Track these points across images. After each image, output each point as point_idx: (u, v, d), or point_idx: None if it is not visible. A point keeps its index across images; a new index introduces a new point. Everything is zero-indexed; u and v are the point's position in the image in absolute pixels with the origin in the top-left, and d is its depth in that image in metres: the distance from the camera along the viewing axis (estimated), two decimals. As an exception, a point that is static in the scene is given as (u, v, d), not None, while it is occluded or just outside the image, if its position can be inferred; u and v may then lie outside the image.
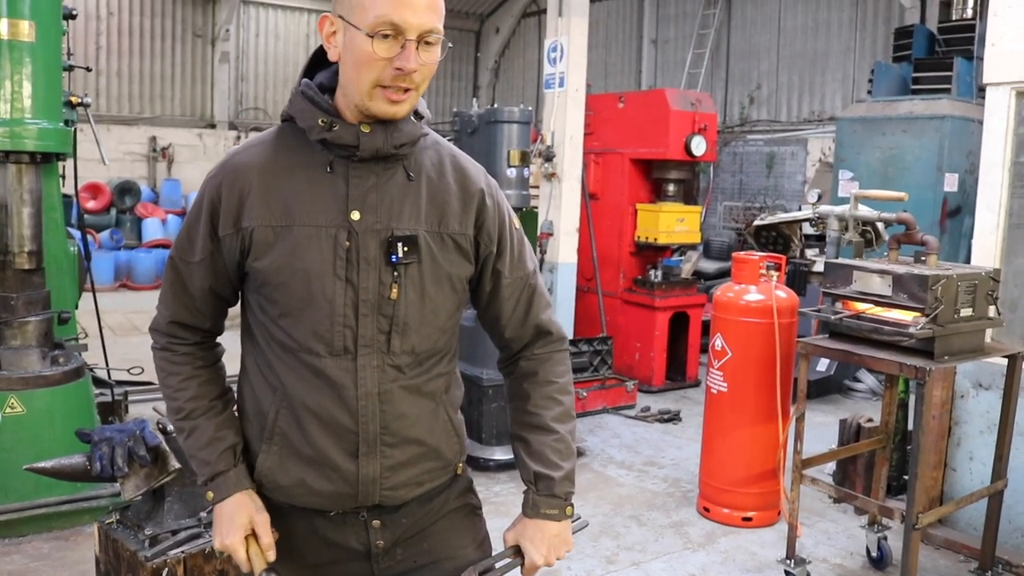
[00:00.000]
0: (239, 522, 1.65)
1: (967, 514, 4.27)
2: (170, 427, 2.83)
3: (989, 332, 3.54)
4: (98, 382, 5.26)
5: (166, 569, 2.74)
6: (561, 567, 3.89)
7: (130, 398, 5.50)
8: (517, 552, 1.77)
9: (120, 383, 5.49)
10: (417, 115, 1.66)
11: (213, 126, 14.49)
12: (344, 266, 1.60)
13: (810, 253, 7.89)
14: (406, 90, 1.56)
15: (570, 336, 6.52)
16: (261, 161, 1.64)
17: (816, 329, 3.87)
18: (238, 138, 14.16)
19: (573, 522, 1.80)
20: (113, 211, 12.94)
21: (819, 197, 4.88)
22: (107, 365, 5.56)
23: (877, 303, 3.40)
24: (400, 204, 1.64)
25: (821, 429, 5.72)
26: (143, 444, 2.72)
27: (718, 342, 4.47)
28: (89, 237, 6.40)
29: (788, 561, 3.67)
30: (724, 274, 9.18)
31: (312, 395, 1.62)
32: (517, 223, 1.81)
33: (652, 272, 7.13)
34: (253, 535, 1.67)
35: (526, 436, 1.79)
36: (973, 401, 4.34)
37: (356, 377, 1.61)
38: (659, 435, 5.94)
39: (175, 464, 2.76)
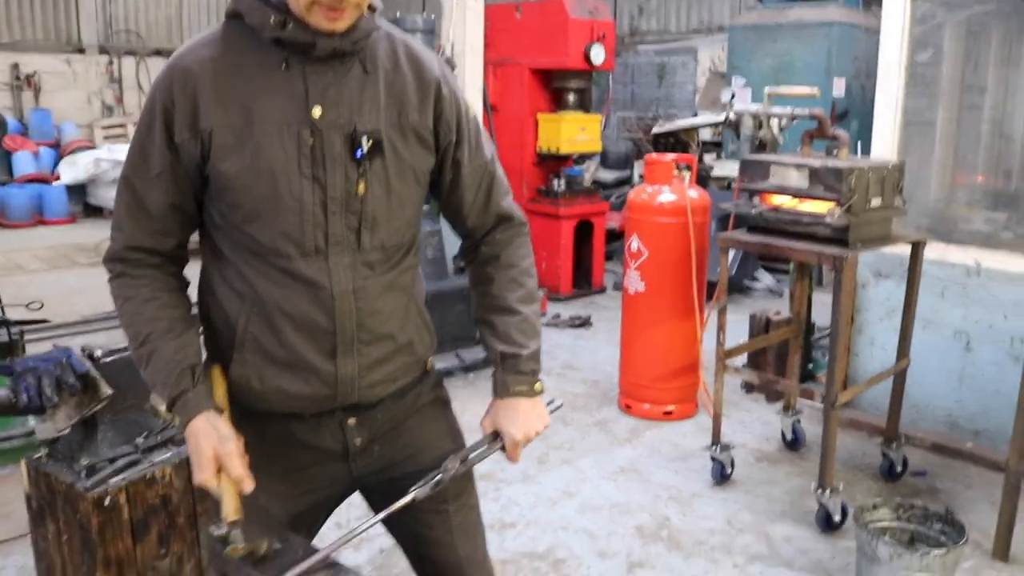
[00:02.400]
0: (206, 455, 1.56)
1: (868, 396, 4.54)
2: (97, 352, 2.73)
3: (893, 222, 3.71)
4: (-12, 322, 4.98)
5: (108, 498, 2.66)
6: (495, 469, 3.96)
7: (27, 337, 5.23)
8: (496, 436, 1.80)
9: (16, 322, 5.21)
10: (370, 7, 1.60)
11: (82, 51, 13.57)
12: (310, 164, 1.55)
13: (708, 158, 8.06)
14: (342, 9, 1.50)
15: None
16: (211, 60, 1.55)
17: (732, 226, 3.98)
18: (110, 63, 13.36)
19: (548, 405, 1.83)
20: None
21: (732, 96, 4.96)
22: (-1, 302, 5.26)
23: (794, 196, 3.51)
24: (359, 99, 1.59)
25: (729, 326, 5.93)
26: (71, 371, 2.61)
27: (634, 243, 4.55)
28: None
29: (714, 447, 3.83)
30: (623, 183, 9.31)
31: (287, 298, 1.58)
32: (472, 111, 1.78)
33: (555, 182, 7.16)
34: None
35: (491, 319, 1.80)
36: (874, 290, 4.57)
37: (330, 276, 1.58)
38: (572, 340, 6.06)
39: (107, 390, 2.66)
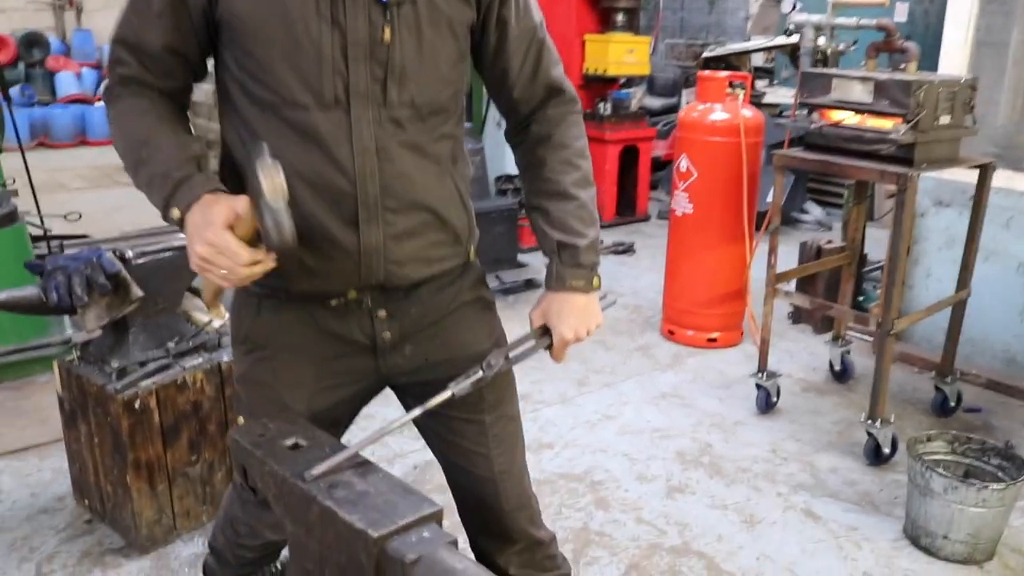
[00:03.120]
0: (217, 212, 1.36)
1: (920, 330, 4.37)
2: (128, 253, 2.65)
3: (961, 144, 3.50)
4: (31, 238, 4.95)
5: (138, 401, 2.61)
6: (532, 390, 3.88)
7: (67, 251, 5.20)
8: (544, 332, 1.68)
9: (56, 237, 5.18)
10: None
11: (122, -32, 13.40)
12: (328, 5, 1.41)
13: (760, 85, 7.77)
14: None
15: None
16: None
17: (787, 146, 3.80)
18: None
19: (601, 299, 1.72)
20: (21, 65, 12.03)
21: (794, 6, 4.70)
22: (39, 214, 5.23)
23: (857, 111, 3.31)
24: None
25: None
26: (101, 271, 2.54)
27: (683, 163, 4.37)
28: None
29: (759, 374, 3.70)
30: (670, 110, 9.03)
31: (301, 157, 1.46)
32: None
33: (601, 105, 6.94)
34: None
35: (544, 205, 1.67)
36: (933, 219, 4.36)
37: (350, 132, 1.45)
38: (615, 266, 5.92)
39: (138, 292, 2.59)
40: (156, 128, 1.50)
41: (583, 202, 1.67)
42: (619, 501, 3.06)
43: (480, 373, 1.58)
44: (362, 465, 1.40)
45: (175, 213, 1.44)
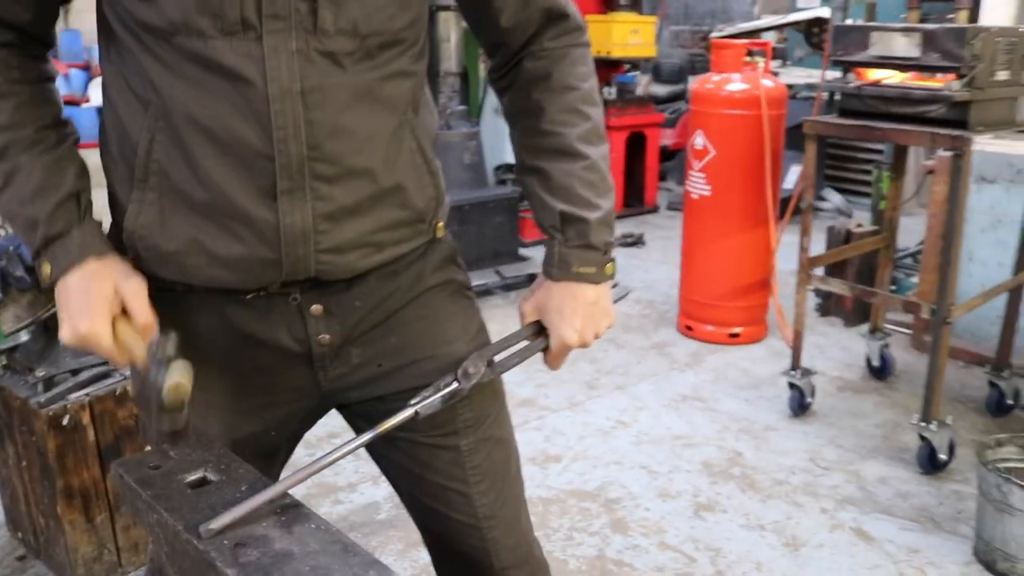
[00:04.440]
0: (100, 294, 1.08)
1: (963, 322, 3.93)
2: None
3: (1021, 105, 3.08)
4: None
5: (67, 416, 2.20)
6: (537, 394, 3.46)
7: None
8: (538, 331, 1.27)
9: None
10: None
11: (109, -33, 13.05)
12: None
13: (773, 65, 7.35)
14: None
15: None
16: None
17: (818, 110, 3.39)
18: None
19: (612, 287, 1.30)
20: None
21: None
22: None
23: (901, 68, 2.89)
24: None
25: (792, 249, 5.34)
26: (19, 263, 2.13)
27: (698, 140, 3.95)
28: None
29: (793, 372, 3.28)
30: (677, 97, 8.61)
31: (201, 102, 1.03)
32: None
33: (606, 90, 6.52)
34: (123, 314, 1.10)
35: (542, 165, 1.24)
36: (975, 197, 3.92)
37: (264, 66, 1.02)
38: (624, 259, 5.49)
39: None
40: (16, 133, 1.10)
41: (593, 162, 1.24)
42: (639, 522, 2.64)
43: (454, 384, 1.17)
44: (288, 511, 0.99)
45: (46, 271, 1.11)
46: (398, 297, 1.24)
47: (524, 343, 1.26)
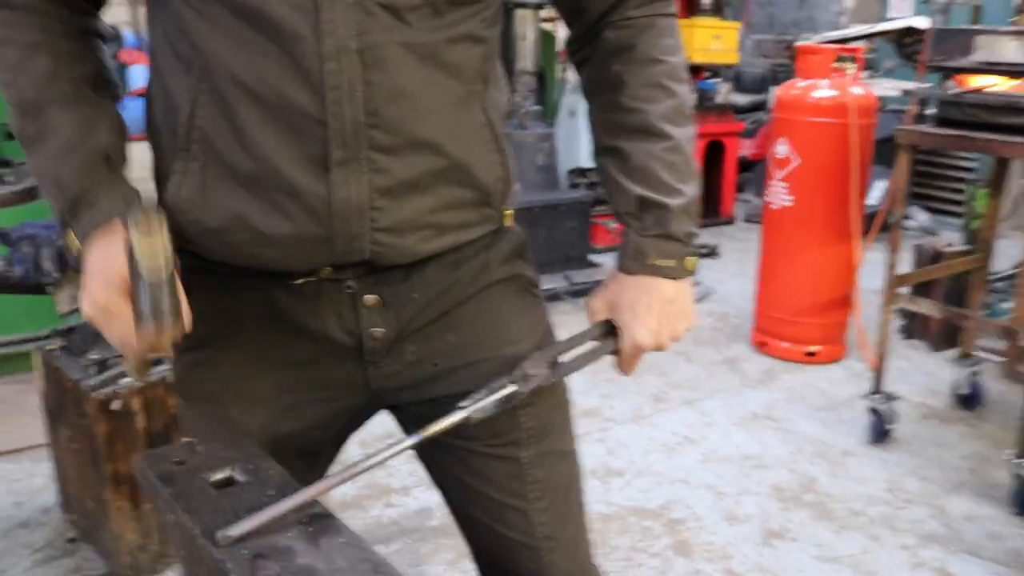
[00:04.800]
0: (118, 269, 0.95)
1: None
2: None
3: None
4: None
5: (117, 401, 2.15)
6: (602, 405, 3.33)
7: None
8: (608, 331, 1.15)
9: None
10: None
11: (198, -37, 13.31)
12: None
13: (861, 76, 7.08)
14: None
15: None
16: None
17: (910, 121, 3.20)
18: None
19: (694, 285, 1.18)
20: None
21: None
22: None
23: (1009, 74, 2.69)
24: None
25: (875, 267, 5.11)
26: (77, 243, 2.09)
27: (781, 148, 3.78)
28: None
29: (874, 396, 3.09)
30: (757, 107, 8.38)
31: (245, 59, 0.93)
32: None
33: (685, 96, 6.35)
34: None
35: (620, 145, 1.12)
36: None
37: (318, 19, 0.92)
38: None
39: (123, 270, 2.13)
40: (51, 86, 1.02)
41: (677, 143, 1.11)
42: (704, 546, 2.50)
43: (510, 387, 1.05)
44: (316, 521, 0.89)
45: (72, 242, 1.02)
46: (459, 290, 1.13)
47: (592, 344, 1.14)
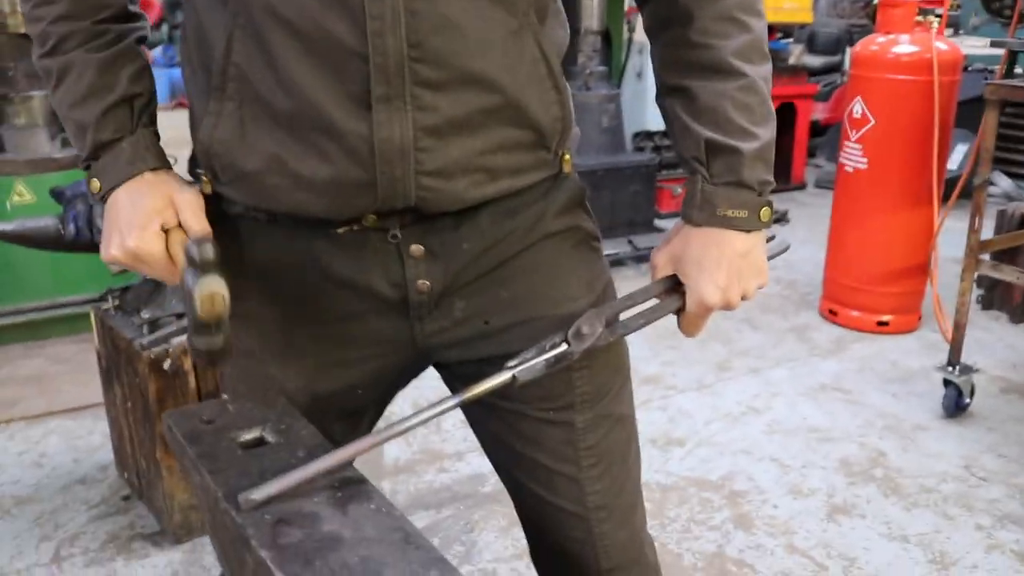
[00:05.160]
0: (150, 206, 0.97)
1: None
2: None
3: None
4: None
5: (168, 360, 2.14)
6: (664, 372, 3.24)
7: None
8: (672, 287, 1.06)
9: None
10: None
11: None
12: None
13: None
14: None
15: (661, 127, 5.69)
16: None
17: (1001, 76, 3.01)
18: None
19: (768, 240, 1.08)
20: (165, 27, 12.11)
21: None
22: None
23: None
24: None
25: (953, 235, 4.89)
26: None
27: (857, 107, 3.60)
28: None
29: (950, 368, 2.94)
30: (832, 69, 8.08)
31: None
32: None
33: (755, 57, 6.14)
34: (177, 228, 1.00)
35: (689, 84, 1.02)
36: None
37: None
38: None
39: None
40: (69, 23, 1.00)
41: (751, 81, 1.01)
42: (765, 520, 2.40)
43: (562, 346, 0.97)
44: (347, 486, 0.83)
45: (95, 185, 1.01)
46: (513, 242, 1.05)
47: (653, 302, 1.05)
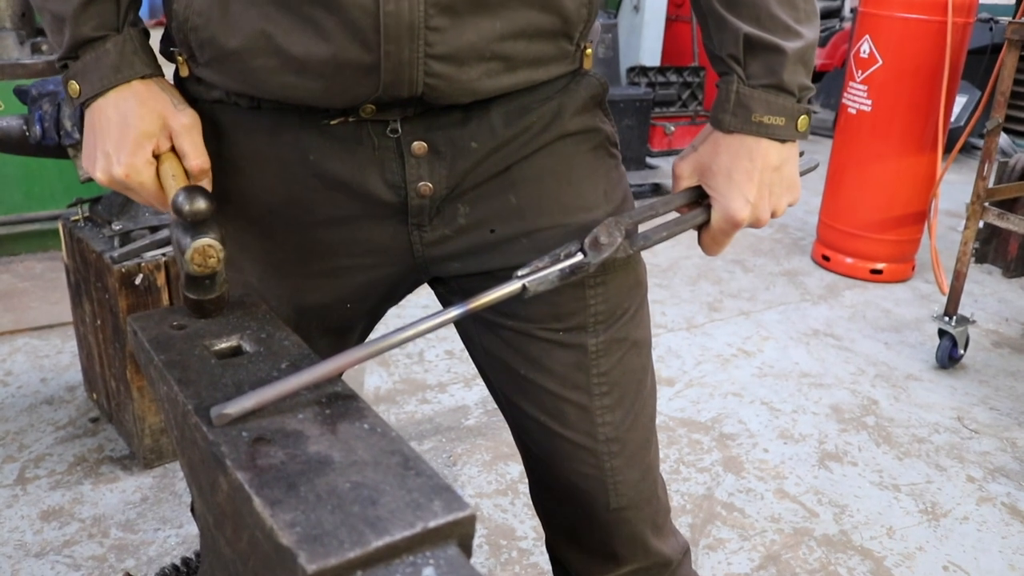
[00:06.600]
0: (142, 128, 0.86)
1: None
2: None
3: None
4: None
5: (140, 276, 2.02)
6: (654, 310, 3.15)
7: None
8: (696, 199, 0.97)
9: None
10: None
11: None
12: None
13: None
14: None
15: (657, 63, 5.54)
16: None
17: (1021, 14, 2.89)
18: None
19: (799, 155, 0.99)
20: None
21: None
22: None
23: None
24: None
25: (951, 187, 4.82)
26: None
27: (864, 47, 3.48)
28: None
29: (946, 318, 2.87)
30: (831, 14, 7.92)
31: None
32: None
33: None
34: (171, 152, 0.89)
35: None
36: None
37: None
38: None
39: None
40: None
41: None
42: (756, 464, 2.34)
43: (578, 255, 0.88)
44: (336, 402, 0.73)
45: (73, 88, 0.88)
46: (526, 142, 0.94)
47: (676, 214, 0.95)
